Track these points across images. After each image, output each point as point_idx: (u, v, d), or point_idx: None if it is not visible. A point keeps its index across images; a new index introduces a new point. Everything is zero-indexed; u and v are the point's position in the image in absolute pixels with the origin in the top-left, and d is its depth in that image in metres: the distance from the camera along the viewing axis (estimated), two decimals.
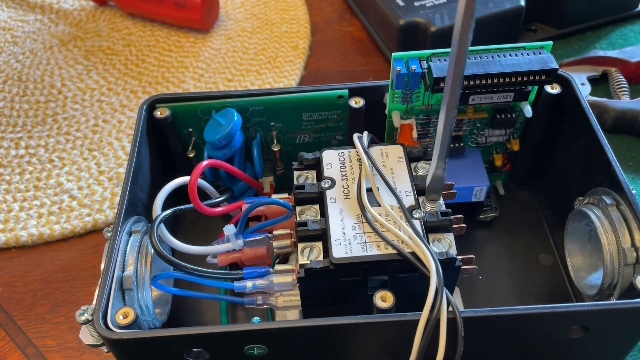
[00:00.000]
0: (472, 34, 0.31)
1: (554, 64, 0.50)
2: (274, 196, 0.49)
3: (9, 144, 0.74)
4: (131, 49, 0.87)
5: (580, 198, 0.52)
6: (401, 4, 0.77)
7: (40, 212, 0.66)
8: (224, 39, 0.88)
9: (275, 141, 0.58)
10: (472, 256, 0.45)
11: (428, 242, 0.42)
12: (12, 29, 0.93)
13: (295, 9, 0.92)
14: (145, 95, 0.79)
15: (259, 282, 0.46)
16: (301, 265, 0.42)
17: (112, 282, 0.43)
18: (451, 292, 0.43)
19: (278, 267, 0.46)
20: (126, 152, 0.71)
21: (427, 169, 0.48)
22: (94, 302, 0.42)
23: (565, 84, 0.55)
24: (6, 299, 0.59)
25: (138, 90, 0.80)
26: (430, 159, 0.48)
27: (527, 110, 0.54)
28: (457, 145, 0.57)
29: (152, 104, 0.55)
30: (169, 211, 0.47)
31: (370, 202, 0.45)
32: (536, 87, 0.54)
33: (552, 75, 0.50)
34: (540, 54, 0.51)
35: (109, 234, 0.47)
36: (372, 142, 0.50)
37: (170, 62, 0.85)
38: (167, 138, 0.57)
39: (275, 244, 0.47)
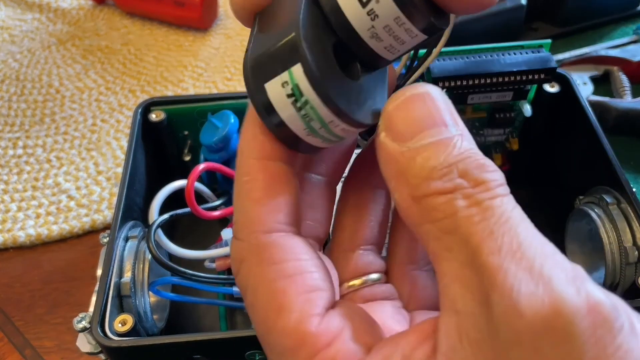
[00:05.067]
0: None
1: (552, 63, 0.50)
2: None
3: (6, 143, 0.73)
4: (130, 48, 0.87)
5: (581, 197, 0.52)
6: None
7: (38, 212, 0.65)
8: (223, 38, 0.88)
9: None
10: None
11: None
12: (9, 27, 0.92)
13: None
14: (144, 95, 0.79)
15: None
16: None
17: (109, 289, 0.43)
18: None
19: None
20: (124, 152, 0.71)
21: None
22: (91, 309, 0.42)
23: (564, 82, 0.55)
24: (4, 300, 0.59)
25: (136, 89, 0.80)
26: None
27: (526, 109, 0.54)
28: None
29: (147, 106, 0.55)
30: (165, 216, 0.47)
31: None
32: (535, 86, 0.54)
33: (550, 74, 0.50)
34: (539, 52, 0.50)
35: (105, 240, 0.47)
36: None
37: (169, 61, 0.84)
38: (163, 141, 0.56)
39: None
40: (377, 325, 0.26)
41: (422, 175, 0.22)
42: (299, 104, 0.24)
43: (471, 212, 0.21)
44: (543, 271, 0.20)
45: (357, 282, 0.29)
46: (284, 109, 0.24)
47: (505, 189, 0.22)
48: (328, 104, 0.24)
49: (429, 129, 0.23)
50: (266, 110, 0.25)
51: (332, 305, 0.25)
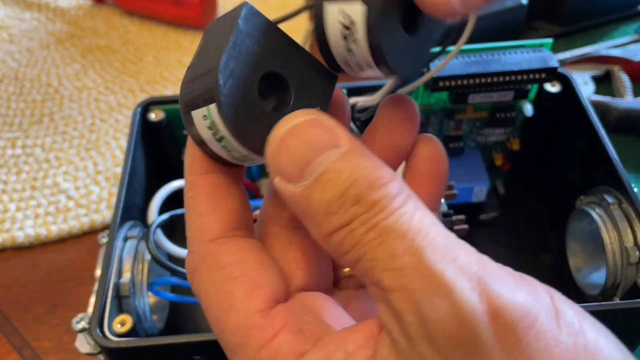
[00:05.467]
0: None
1: (553, 62, 0.49)
2: None
3: (5, 143, 0.73)
4: (129, 47, 0.87)
5: (582, 197, 0.51)
6: None
7: (37, 212, 0.65)
8: None
9: None
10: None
11: None
12: (8, 27, 0.92)
13: (294, 7, 0.91)
14: (143, 94, 0.79)
15: None
16: None
17: (108, 290, 0.42)
18: None
19: None
20: (123, 152, 0.70)
21: None
22: (90, 310, 0.41)
23: (565, 82, 0.54)
24: (3, 301, 0.58)
25: (136, 89, 0.80)
26: None
27: (527, 109, 0.54)
28: (456, 144, 0.56)
29: (146, 106, 0.55)
30: (165, 216, 0.47)
31: None
32: (536, 86, 0.54)
33: (552, 74, 0.50)
34: (540, 52, 0.50)
35: (104, 240, 0.47)
36: None
37: (169, 60, 0.84)
38: (162, 141, 0.56)
39: None
40: (329, 318, 0.27)
41: (322, 212, 0.22)
42: (217, 137, 0.25)
43: (370, 238, 0.22)
44: (445, 282, 0.20)
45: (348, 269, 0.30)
46: (207, 138, 0.25)
47: (400, 200, 0.22)
48: (243, 144, 0.25)
49: (314, 159, 0.23)
50: (192, 135, 0.26)
51: (282, 299, 0.26)
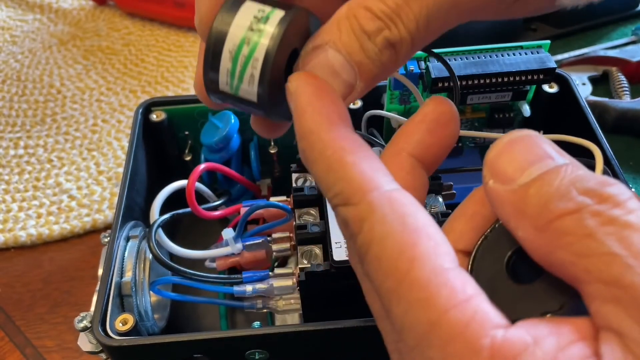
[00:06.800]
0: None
1: (551, 63, 0.50)
2: (272, 199, 0.49)
3: (7, 143, 0.74)
4: (130, 48, 0.87)
5: None
6: None
7: (39, 212, 0.66)
8: None
9: (272, 143, 0.58)
10: None
11: None
12: (11, 28, 0.93)
13: None
14: (145, 95, 0.79)
15: (259, 286, 0.45)
16: (301, 269, 0.42)
17: (110, 289, 0.43)
18: None
19: (278, 270, 0.46)
20: (125, 152, 0.71)
21: None
22: (92, 309, 0.42)
23: (563, 83, 0.55)
24: (5, 299, 0.59)
25: (137, 90, 0.80)
26: None
27: (525, 110, 0.54)
28: (455, 145, 0.56)
29: (148, 107, 0.55)
30: (166, 216, 0.47)
31: None
32: (534, 87, 0.54)
33: (550, 75, 0.50)
34: (538, 53, 0.51)
35: (106, 240, 0.47)
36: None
37: (170, 61, 0.85)
38: (164, 141, 0.56)
39: (274, 247, 0.47)
40: None
41: (540, 203, 0.21)
42: (247, 50, 0.25)
43: (606, 231, 0.20)
44: None
45: None
46: (228, 52, 0.25)
47: (636, 203, 0.20)
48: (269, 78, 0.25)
49: (535, 164, 0.22)
50: (213, 33, 0.25)
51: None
